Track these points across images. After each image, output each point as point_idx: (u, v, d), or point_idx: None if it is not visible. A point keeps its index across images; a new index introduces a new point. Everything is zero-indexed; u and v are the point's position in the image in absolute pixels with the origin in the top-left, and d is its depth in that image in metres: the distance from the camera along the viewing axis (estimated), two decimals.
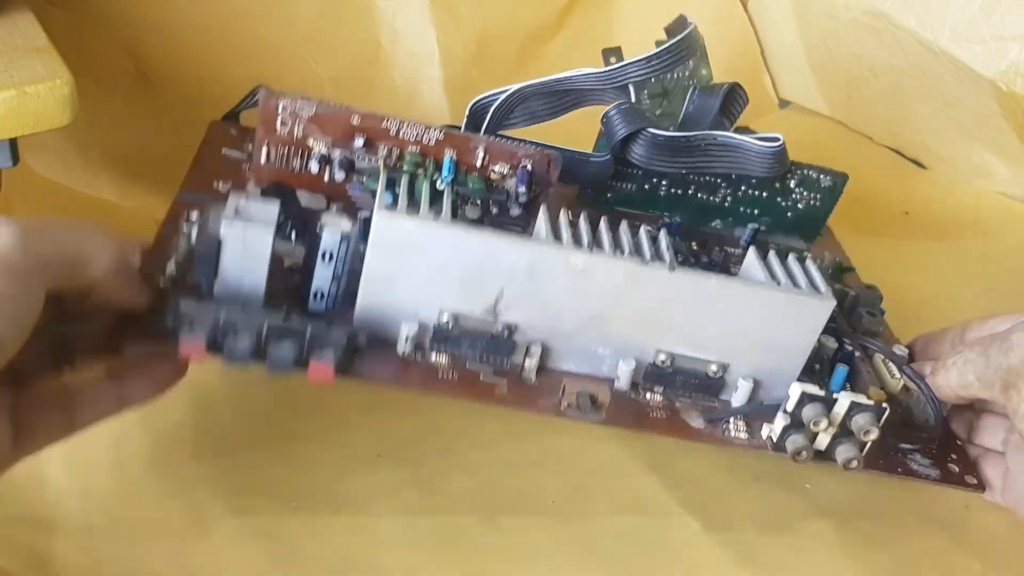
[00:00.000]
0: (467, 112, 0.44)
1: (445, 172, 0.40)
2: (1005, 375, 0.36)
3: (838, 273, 0.48)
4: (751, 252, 0.39)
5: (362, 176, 0.41)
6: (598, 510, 0.40)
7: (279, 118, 0.40)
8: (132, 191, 0.57)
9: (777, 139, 0.45)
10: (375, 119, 0.40)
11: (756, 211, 0.48)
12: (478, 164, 0.41)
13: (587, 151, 0.45)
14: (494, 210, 0.42)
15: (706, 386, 0.38)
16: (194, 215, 0.39)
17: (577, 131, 0.46)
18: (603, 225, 0.37)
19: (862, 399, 0.36)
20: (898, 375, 0.40)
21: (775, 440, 0.37)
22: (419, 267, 0.35)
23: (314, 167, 0.40)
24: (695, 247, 0.46)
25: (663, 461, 0.42)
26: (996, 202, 0.64)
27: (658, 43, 0.46)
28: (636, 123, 0.44)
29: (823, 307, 0.37)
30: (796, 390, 0.36)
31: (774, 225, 0.48)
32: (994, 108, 0.58)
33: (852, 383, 0.40)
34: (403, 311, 0.36)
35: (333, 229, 0.35)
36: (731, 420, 0.38)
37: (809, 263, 0.39)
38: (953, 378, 0.38)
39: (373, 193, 0.40)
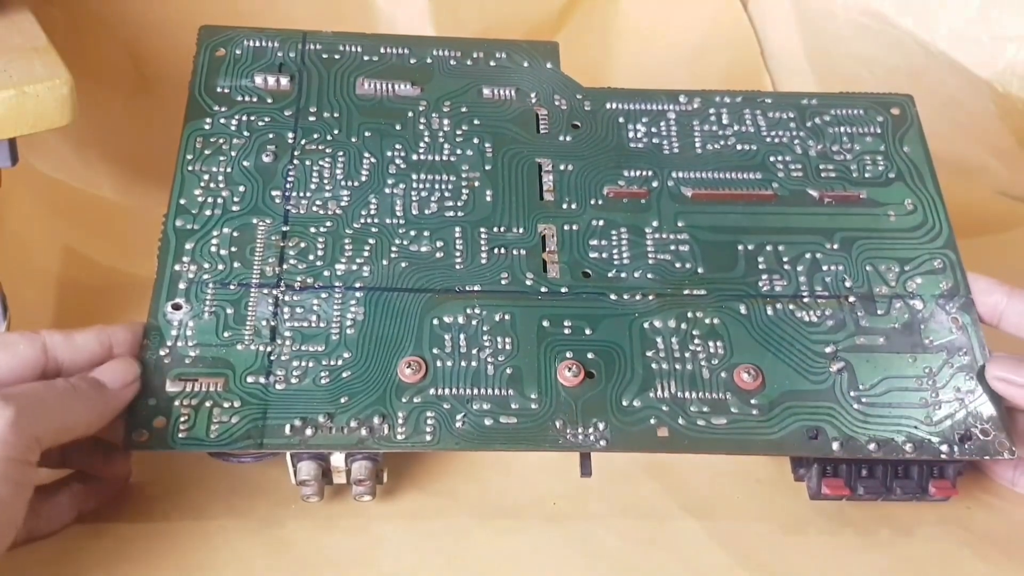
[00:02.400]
0: None
1: None
2: None
3: None
4: None
5: None
6: (599, 512, 0.40)
7: None
8: (132, 191, 0.57)
9: None
10: None
11: None
12: None
13: None
14: None
15: None
16: None
17: None
18: None
19: None
20: None
21: None
22: None
23: None
24: None
25: (664, 463, 0.42)
26: (995, 202, 0.64)
27: None
28: None
29: None
30: None
31: None
32: (991, 109, 0.58)
33: None
34: None
35: None
36: None
37: None
38: None
39: None
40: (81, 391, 0.34)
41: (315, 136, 0.44)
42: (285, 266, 0.40)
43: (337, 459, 0.37)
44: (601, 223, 0.42)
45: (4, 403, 0.31)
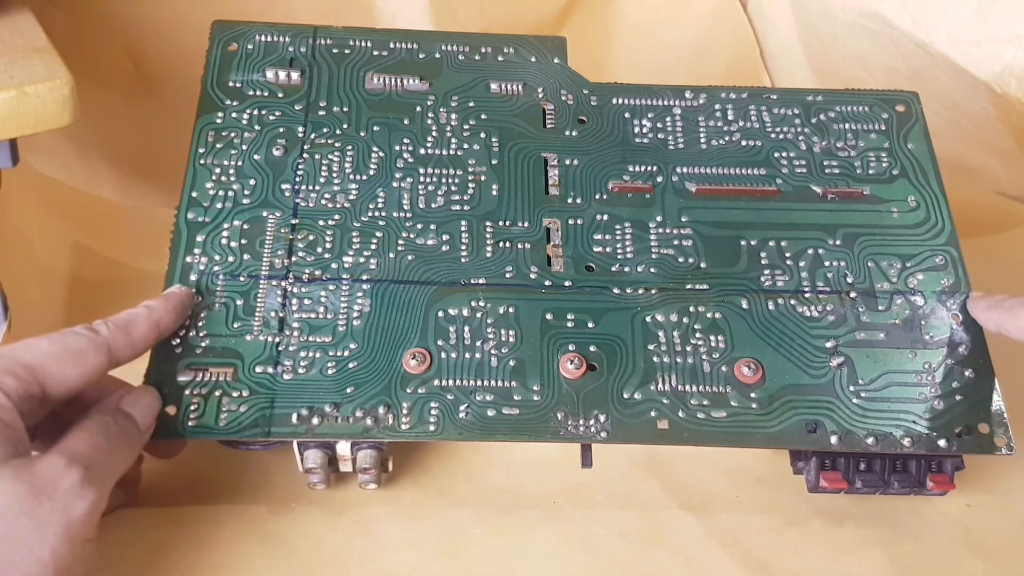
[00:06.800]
0: None
1: None
2: None
3: None
4: None
5: None
6: (598, 510, 0.40)
7: None
8: (132, 191, 0.57)
9: None
10: None
11: None
12: None
13: None
14: None
15: None
16: None
17: None
18: None
19: None
20: None
21: None
22: None
23: None
24: None
25: (664, 462, 0.42)
26: (993, 202, 0.64)
27: None
28: None
29: None
30: None
31: None
32: (989, 110, 0.58)
33: None
34: None
35: None
36: None
37: None
38: None
39: None
40: (126, 432, 0.34)
41: (324, 130, 0.44)
42: (294, 258, 0.40)
43: (343, 448, 0.37)
44: (605, 218, 0.43)
45: (88, 485, 0.30)
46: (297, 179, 0.43)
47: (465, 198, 0.43)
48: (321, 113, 0.45)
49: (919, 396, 0.39)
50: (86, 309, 0.47)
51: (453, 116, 0.45)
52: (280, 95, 0.45)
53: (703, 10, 0.70)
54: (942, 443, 0.38)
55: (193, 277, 0.40)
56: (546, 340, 0.39)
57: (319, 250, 0.41)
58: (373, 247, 0.41)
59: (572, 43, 0.49)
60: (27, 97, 0.38)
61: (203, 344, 0.38)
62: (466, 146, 0.44)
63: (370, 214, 0.42)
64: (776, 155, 0.45)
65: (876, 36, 0.62)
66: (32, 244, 0.51)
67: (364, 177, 0.43)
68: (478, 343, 0.39)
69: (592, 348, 0.39)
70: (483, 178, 0.44)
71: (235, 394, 0.37)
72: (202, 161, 0.43)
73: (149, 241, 0.47)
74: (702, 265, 0.42)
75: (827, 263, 0.42)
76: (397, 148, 0.44)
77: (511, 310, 0.40)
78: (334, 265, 0.40)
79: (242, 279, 0.40)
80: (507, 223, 0.42)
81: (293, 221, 0.41)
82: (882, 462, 0.39)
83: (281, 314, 0.39)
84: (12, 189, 0.48)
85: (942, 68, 0.59)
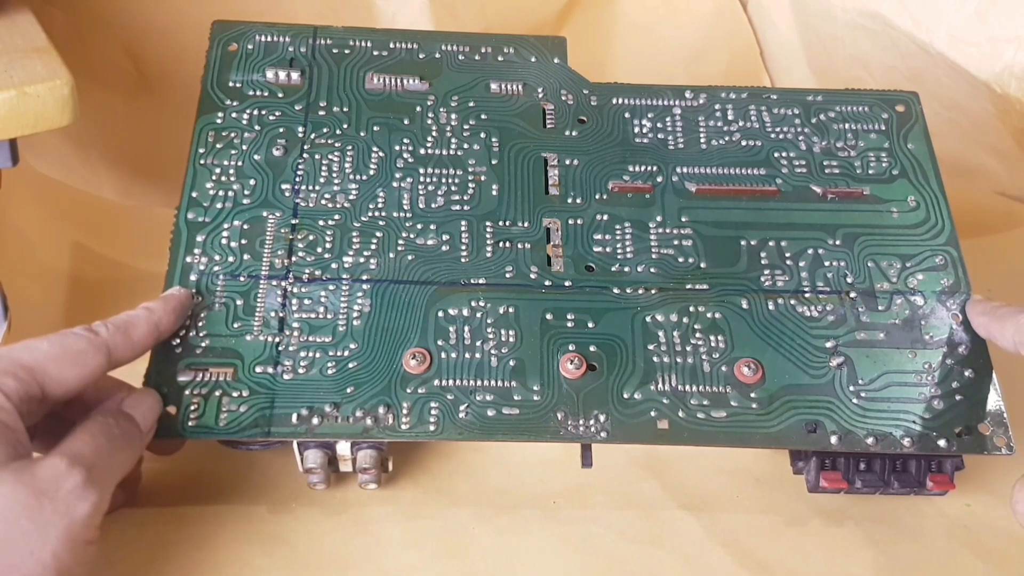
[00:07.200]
0: None
1: None
2: None
3: None
4: None
5: None
6: (598, 510, 0.40)
7: None
8: (132, 191, 0.57)
9: None
10: None
11: None
12: None
13: None
14: None
15: None
16: None
17: None
18: None
19: None
20: None
21: None
22: None
23: None
24: None
25: (663, 461, 0.42)
26: (993, 202, 0.64)
27: None
28: None
29: None
30: None
31: None
32: (989, 110, 0.58)
33: None
34: None
35: None
36: None
37: None
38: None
39: None
40: (128, 435, 0.34)
41: (324, 130, 0.44)
42: (294, 258, 0.40)
43: (343, 448, 0.37)
44: (605, 217, 0.43)
45: (90, 487, 0.30)
46: (297, 179, 0.43)
47: (465, 198, 0.43)
48: (321, 113, 0.45)
49: (919, 396, 0.39)
50: (86, 309, 0.47)
51: (453, 116, 0.45)
52: (280, 95, 0.45)
53: (703, 10, 0.70)
54: (942, 443, 0.38)
55: (193, 277, 0.40)
56: (546, 340, 0.39)
57: (319, 250, 0.41)
58: (373, 247, 0.41)
59: (572, 43, 0.49)
60: (27, 97, 0.37)
61: (203, 344, 0.38)
62: (466, 146, 0.44)
63: (370, 214, 0.42)
64: (776, 155, 0.45)
65: (876, 36, 0.62)
66: (32, 244, 0.51)
67: (364, 177, 0.43)
68: (478, 343, 0.39)
69: (592, 348, 0.39)
70: (483, 178, 0.44)
71: (235, 394, 0.37)
72: (202, 161, 0.43)
73: (149, 241, 0.47)
74: (702, 265, 0.42)
75: (827, 263, 0.42)
76: (397, 148, 0.44)
77: (511, 310, 0.40)
78: (334, 265, 0.40)
79: (242, 279, 0.40)
80: (507, 223, 0.42)
81: (293, 221, 0.41)
82: (882, 462, 0.39)
83: (281, 314, 0.39)
84: (12, 189, 0.48)
85: (942, 68, 0.59)
